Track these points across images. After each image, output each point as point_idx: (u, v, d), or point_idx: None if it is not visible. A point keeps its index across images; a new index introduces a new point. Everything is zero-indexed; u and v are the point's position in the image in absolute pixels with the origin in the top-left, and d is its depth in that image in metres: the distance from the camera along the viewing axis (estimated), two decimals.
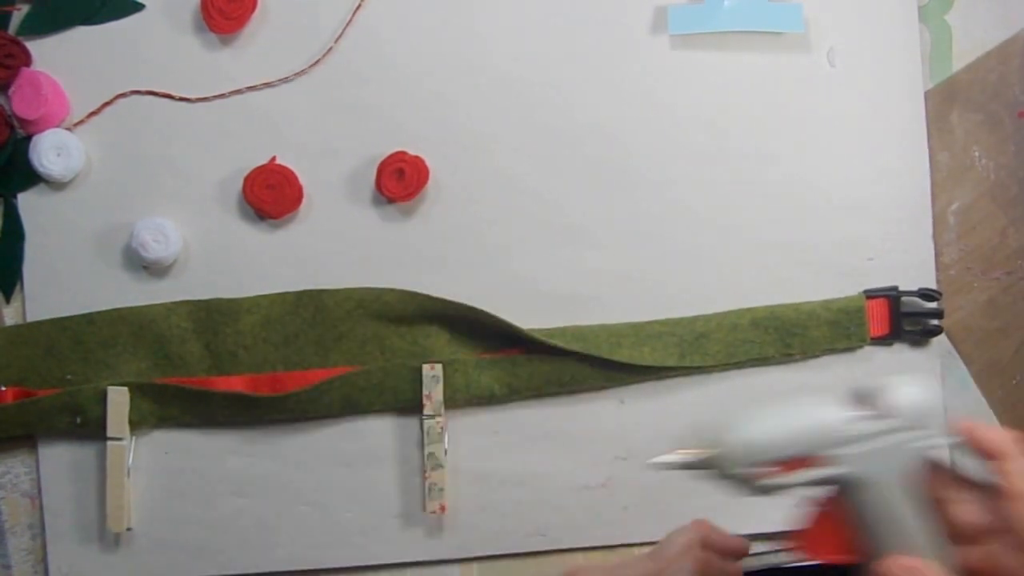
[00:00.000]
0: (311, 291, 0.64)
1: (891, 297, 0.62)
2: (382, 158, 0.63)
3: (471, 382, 0.62)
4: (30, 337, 0.65)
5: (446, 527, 0.63)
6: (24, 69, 0.64)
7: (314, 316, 0.64)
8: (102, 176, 0.65)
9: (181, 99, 0.65)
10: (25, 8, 0.65)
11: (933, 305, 0.63)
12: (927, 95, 0.65)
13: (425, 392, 0.62)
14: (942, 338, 0.64)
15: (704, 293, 0.64)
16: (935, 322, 0.63)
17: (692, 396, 0.64)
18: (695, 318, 0.63)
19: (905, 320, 0.63)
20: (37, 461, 0.65)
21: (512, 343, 0.63)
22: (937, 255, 0.64)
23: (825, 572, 0.69)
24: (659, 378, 0.63)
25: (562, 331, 0.63)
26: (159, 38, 0.65)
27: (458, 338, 0.64)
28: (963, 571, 0.48)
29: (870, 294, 0.63)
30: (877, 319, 0.63)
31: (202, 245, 0.65)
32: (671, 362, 0.62)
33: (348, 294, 0.63)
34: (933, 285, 0.64)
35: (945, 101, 0.65)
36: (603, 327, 0.63)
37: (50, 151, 0.63)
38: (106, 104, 0.65)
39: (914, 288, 0.63)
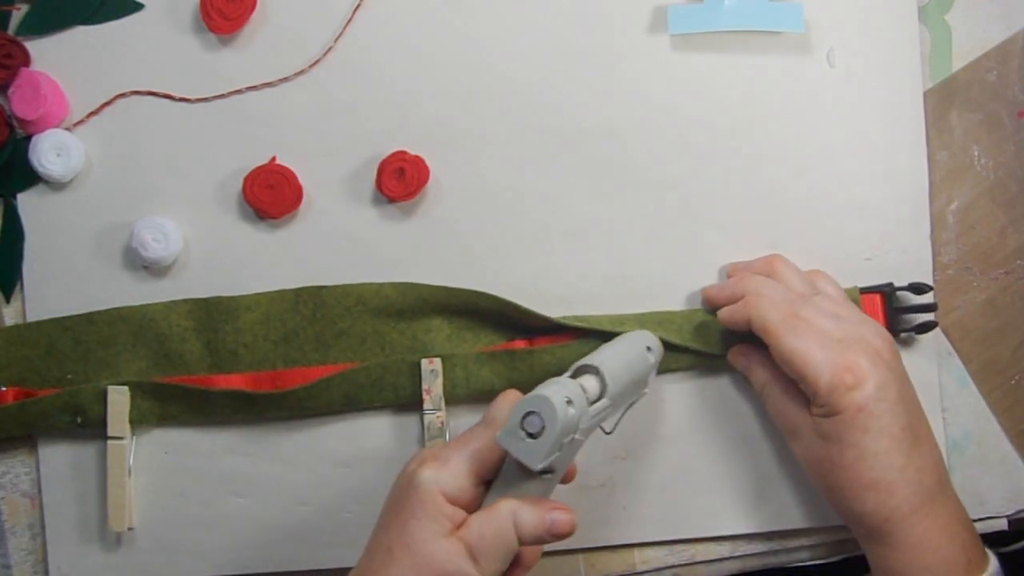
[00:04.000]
0: (310, 288, 0.64)
1: (885, 293, 0.62)
2: (382, 158, 0.63)
3: (471, 376, 0.62)
4: (30, 337, 0.65)
5: None
6: (23, 69, 0.64)
7: (314, 313, 0.64)
8: (102, 176, 0.65)
9: (181, 99, 0.65)
10: (24, 8, 0.65)
11: (926, 299, 0.63)
12: (926, 95, 0.65)
13: (424, 387, 0.62)
14: (940, 337, 0.64)
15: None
16: (929, 316, 0.63)
17: (692, 395, 0.64)
18: (695, 310, 0.63)
19: (901, 317, 0.63)
20: (37, 461, 0.65)
21: (513, 335, 0.63)
22: (935, 255, 0.64)
23: (827, 573, 0.69)
24: (658, 372, 0.63)
25: (564, 319, 0.63)
26: (159, 38, 0.65)
27: (458, 333, 0.64)
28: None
29: (864, 290, 0.63)
30: (872, 315, 0.62)
31: (202, 245, 0.65)
32: (675, 340, 0.62)
33: (347, 290, 0.64)
34: (930, 284, 0.64)
35: (944, 101, 0.65)
36: (606, 316, 0.63)
37: (50, 151, 0.63)
38: (106, 104, 0.65)
39: None
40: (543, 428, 0.49)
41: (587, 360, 0.54)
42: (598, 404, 0.53)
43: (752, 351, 0.60)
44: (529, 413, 0.50)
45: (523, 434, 0.50)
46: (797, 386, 0.56)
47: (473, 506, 0.52)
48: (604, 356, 0.55)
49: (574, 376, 0.54)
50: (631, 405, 0.57)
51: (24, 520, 0.66)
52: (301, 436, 0.65)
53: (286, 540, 0.64)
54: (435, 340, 0.64)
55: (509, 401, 0.55)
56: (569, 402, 0.50)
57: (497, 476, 0.53)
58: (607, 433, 0.57)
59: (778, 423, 0.59)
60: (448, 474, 0.52)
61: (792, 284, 0.60)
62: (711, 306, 0.62)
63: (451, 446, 0.53)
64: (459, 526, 0.51)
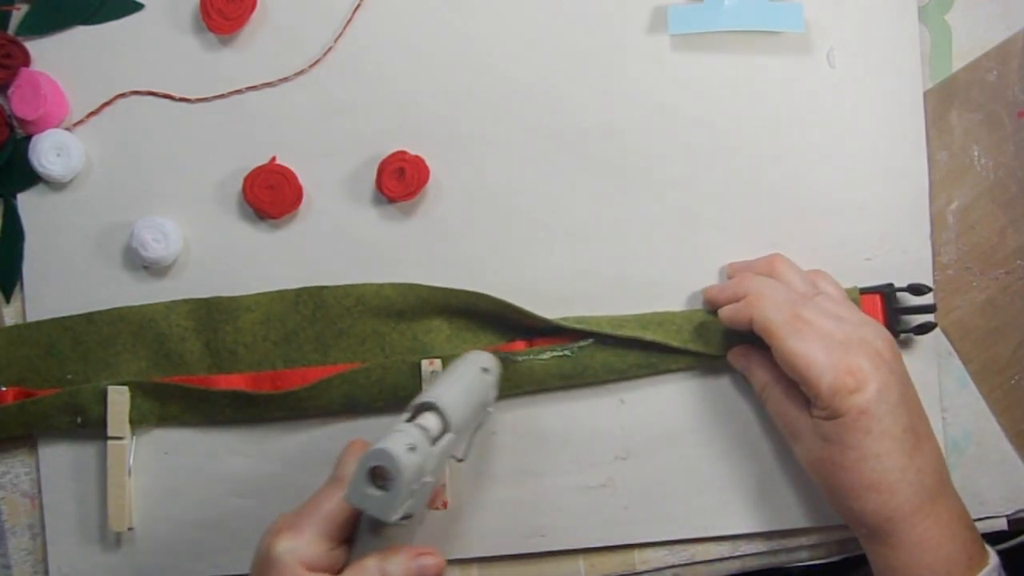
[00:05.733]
0: (311, 288, 0.64)
1: (885, 293, 0.62)
2: (382, 158, 0.63)
3: None
4: (30, 337, 0.65)
5: (446, 527, 0.63)
6: (23, 69, 0.64)
7: (314, 313, 0.64)
8: (102, 176, 0.65)
9: (181, 99, 0.65)
10: (24, 8, 0.65)
11: (925, 300, 0.63)
12: (926, 95, 0.65)
13: (425, 388, 0.62)
14: (940, 337, 0.64)
15: (702, 293, 0.64)
16: (928, 317, 0.63)
17: (692, 395, 0.64)
18: (694, 311, 0.63)
19: (900, 318, 0.63)
20: (37, 461, 0.65)
21: (513, 336, 0.63)
22: (935, 255, 0.64)
23: (827, 573, 0.69)
24: (658, 372, 0.63)
25: (563, 320, 0.63)
26: (159, 38, 0.65)
27: (458, 333, 0.64)
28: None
29: (864, 290, 0.63)
30: (872, 315, 0.62)
31: (202, 245, 0.65)
32: (675, 343, 0.62)
33: (348, 290, 0.64)
34: (930, 284, 0.64)
35: (944, 101, 0.65)
36: (605, 316, 0.63)
37: (50, 151, 0.63)
38: (106, 104, 0.65)
39: None
40: (390, 481, 0.48)
41: (424, 397, 0.53)
42: (443, 440, 0.52)
43: (752, 352, 0.60)
44: (374, 467, 0.49)
45: (371, 489, 0.49)
46: (798, 387, 0.56)
47: (337, 567, 0.51)
48: (441, 390, 0.54)
49: (413, 416, 0.53)
50: (478, 428, 0.57)
51: (24, 520, 0.66)
52: (301, 436, 0.65)
53: None
54: (435, 341, 0.64)
55: (355, 455, 0.54)
56: (412, 449, 0.49)
57: (357, 531, 0.52)
58: (459, 461, 0.56)
59: (779, 424, 0.60)
60: (303, 542, 0.51)
61: (793, 284, 0.59)
62: (712, 306, 0.62)
63: (303, 512, 0.52)
64: None
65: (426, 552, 0.51)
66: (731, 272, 0.63)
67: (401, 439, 0.49)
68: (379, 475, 0.49)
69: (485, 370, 0.57)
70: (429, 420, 0.52)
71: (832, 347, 0.54)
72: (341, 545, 0.52)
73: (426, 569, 0.51)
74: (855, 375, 0.54)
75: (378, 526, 0.50)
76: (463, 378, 0.55)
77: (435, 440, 0.52)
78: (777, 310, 0.56)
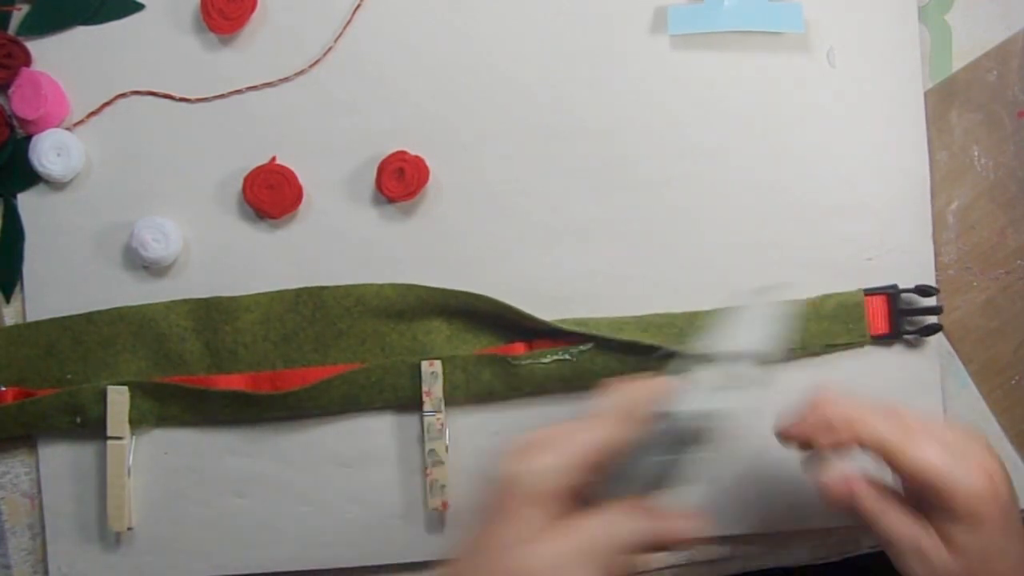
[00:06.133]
0: (311, 288, 0.64)
1: (890, 294, 0.62)
2: (382, 158, 0.63)
3: (471, 378, 0.62)
4: (30, 337, 0.65)
5: (447, 527, 0.63)
6: (24, 69, 0.64)
7: (313, 313, 0.64)
8: (102, 176, 0.65)
9: (181, 99, 0.65)
10: (25, 8, 0.65)
11: (931, 301, 0.63)
12: (926, 95, 0.65)
13: (425, 388, 0.62)
14: (940, 338, 0.64)
15: (703, 293, 0.64)
16: (934, 319, 0.63)
17: None
18: (695, 312, 0.63)
19: (905, 319, 0.63)
20: (37, 461, 0.65)
21: (512, 337, 0.63)
22: (936, 255, 0.64)
23: (826, 573, 0.69)
24: (658, 374, 0.63)
25: (562, 322, 0.63)
26: (159, 38, 0.65)
27: (458, 334, 0.64)
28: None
29: (869, 292, 0.63)
30: (877, 317, 0.62)
31: (202, 245, 0.65)
32: (675, 345, 0.61)
33: (347, 291, 0.64)
34: (934, 285, 0.64)
35: (944, 101, 0.65)
36: (605, 318, 0.63)
37: (50, 151, 0.63)
38: (106, 104, 0.65)
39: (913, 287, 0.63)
40: (678, 441, 0.47)
41: (720, 346, 0.50)
42: (737, 387, 0.49)
43: (855, 479, 0.52)
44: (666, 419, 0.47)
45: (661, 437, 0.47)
46: (914, 501, 0.51)
47: (574, 510, 0.46)
48: (738, 336, 0.50)
49: (707, 365, 0.49)
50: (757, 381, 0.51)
51: (24, 520, 0.66)
52: (301, 436, 0.65)
53: (286, 540, 0.64)
54: (434, 341, 0.64)
55: (637, 393, 0.49)
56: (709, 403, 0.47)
57: (610, 472, 0.47)
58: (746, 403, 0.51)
59: (896, 548, 0.51)
60: (562, 463, 0.45)
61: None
62: (792, 442, 0.54)
63: (557, 434, 0.47)
64: (569, 525, 0.45)
65: (681, 516, 0.47)
66: (813, 407, 0.53)
67: (698, 395, 0.47)
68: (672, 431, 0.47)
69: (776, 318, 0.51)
70: (719, 370, 0.49)
71: (950, 450, 0.49)
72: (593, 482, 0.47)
73: (676, 533, 0.47)
74: (988, 474, 0.48)
75: (635, 470, 0.46)
76: (760, 321, 0.51)
77: (730, 387, 0.48)
78: (884, 422, 0.50)
